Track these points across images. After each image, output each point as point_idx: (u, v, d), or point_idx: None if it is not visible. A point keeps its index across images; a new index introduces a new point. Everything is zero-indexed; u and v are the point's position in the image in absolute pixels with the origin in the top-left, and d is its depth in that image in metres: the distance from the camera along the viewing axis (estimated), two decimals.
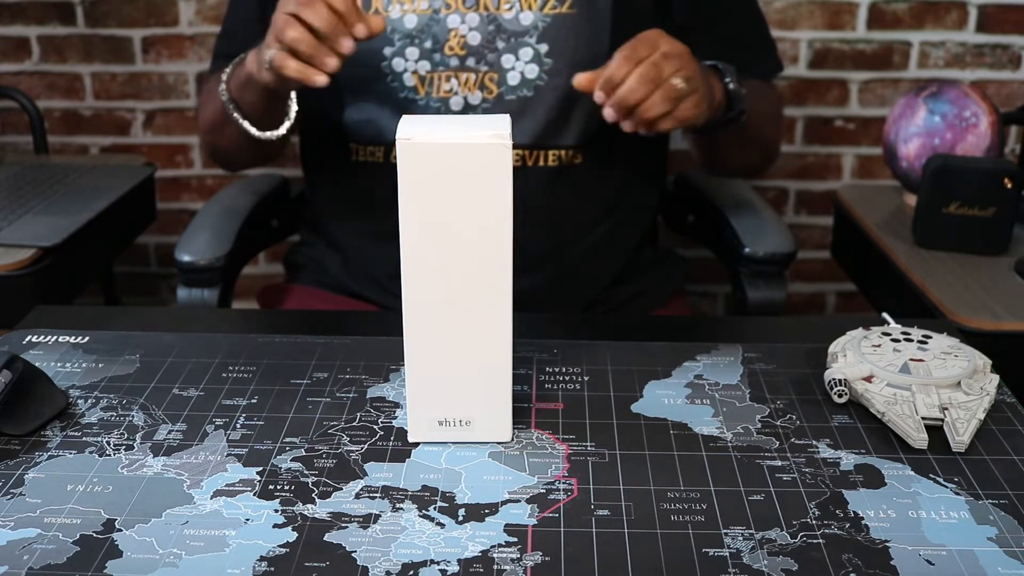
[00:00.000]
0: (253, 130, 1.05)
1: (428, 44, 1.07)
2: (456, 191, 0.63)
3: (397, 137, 0.62)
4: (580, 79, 0.97)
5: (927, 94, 1.35)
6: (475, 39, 1.07)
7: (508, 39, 1.07)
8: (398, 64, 1.08)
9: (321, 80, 0.94)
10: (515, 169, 1.04)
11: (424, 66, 1.07)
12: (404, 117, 0.65)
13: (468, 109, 1.08)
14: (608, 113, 0.96)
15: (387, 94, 1.09)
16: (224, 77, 1.06)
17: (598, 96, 0.96)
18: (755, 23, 1.21)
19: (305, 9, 0.91)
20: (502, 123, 0.64)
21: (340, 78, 1.10)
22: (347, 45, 0.93)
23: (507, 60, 1.07)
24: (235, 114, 1.06)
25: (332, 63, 0.93)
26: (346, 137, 1.14)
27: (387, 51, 1.07)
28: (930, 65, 1.76)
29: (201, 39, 1.76)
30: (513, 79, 1.08)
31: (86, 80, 1.79)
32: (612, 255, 1.19)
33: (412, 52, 1.07)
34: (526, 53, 1.07)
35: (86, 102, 1.81)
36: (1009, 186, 1.20)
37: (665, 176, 1.30)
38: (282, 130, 1.05)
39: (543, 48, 1.07)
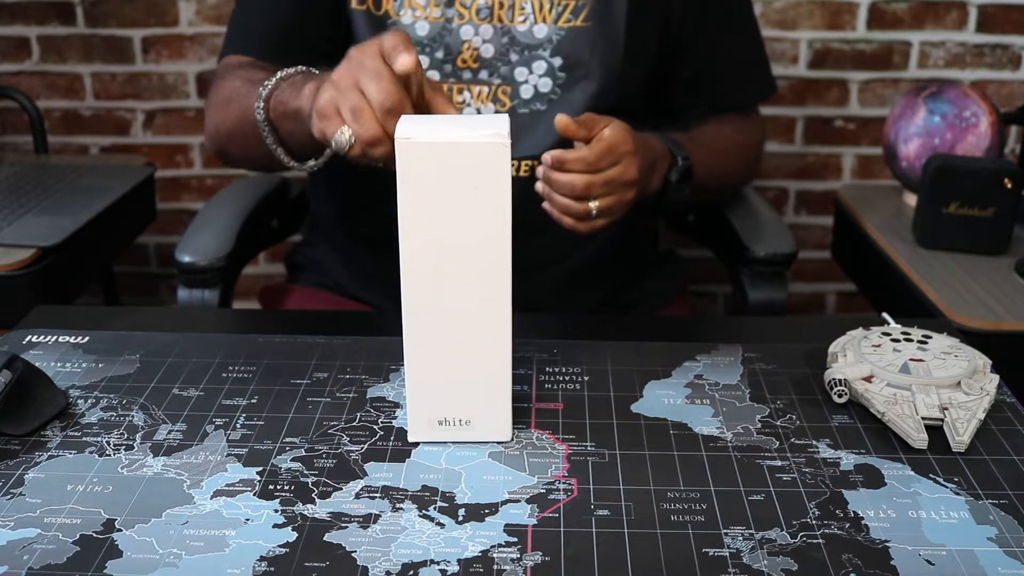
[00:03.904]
0: (291, 161, 0.93)
1: (440, 54, 1.05)
2: (456, 191, 0.63)
3: (396, 136, 0.62)
4: (560, 120, 0.89)
5: (927, 94, 1.35)
6: (488, 51, 1.05)
7: (522, 52, 1.05)
8: None
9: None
10: (523, 179, 1.04)
11: (434, 76, 1.06)
12: (404, 117, 0.65)
13: None
14: (538, 185, 0.91)
15: None
16: (263, 93, 0.91)
17: (543, 169, 0.89)
18: (753, 46, 1.19)
19: (371, 83, 0.78)
20: (501, 122, 0.64)
21: None
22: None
23: (520, 73, 1.06)
24: (269, 139, 0.93)
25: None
26: None
27: None
28: (930, 65, 1.76)
29: (201, 39, 1.76)
30: (526, 92, 1.07)
31: (86, 80, 1.79)
32: (617, 262, 1.18)
33: (423, 61, 1.05)
34: (540, 66, 1.06)
35: (86, 102, 1.81)
36: (1009, 186, 1.20)
37: None
38: (323, 160, 0.88)
39: (557, 61, 1.06)
